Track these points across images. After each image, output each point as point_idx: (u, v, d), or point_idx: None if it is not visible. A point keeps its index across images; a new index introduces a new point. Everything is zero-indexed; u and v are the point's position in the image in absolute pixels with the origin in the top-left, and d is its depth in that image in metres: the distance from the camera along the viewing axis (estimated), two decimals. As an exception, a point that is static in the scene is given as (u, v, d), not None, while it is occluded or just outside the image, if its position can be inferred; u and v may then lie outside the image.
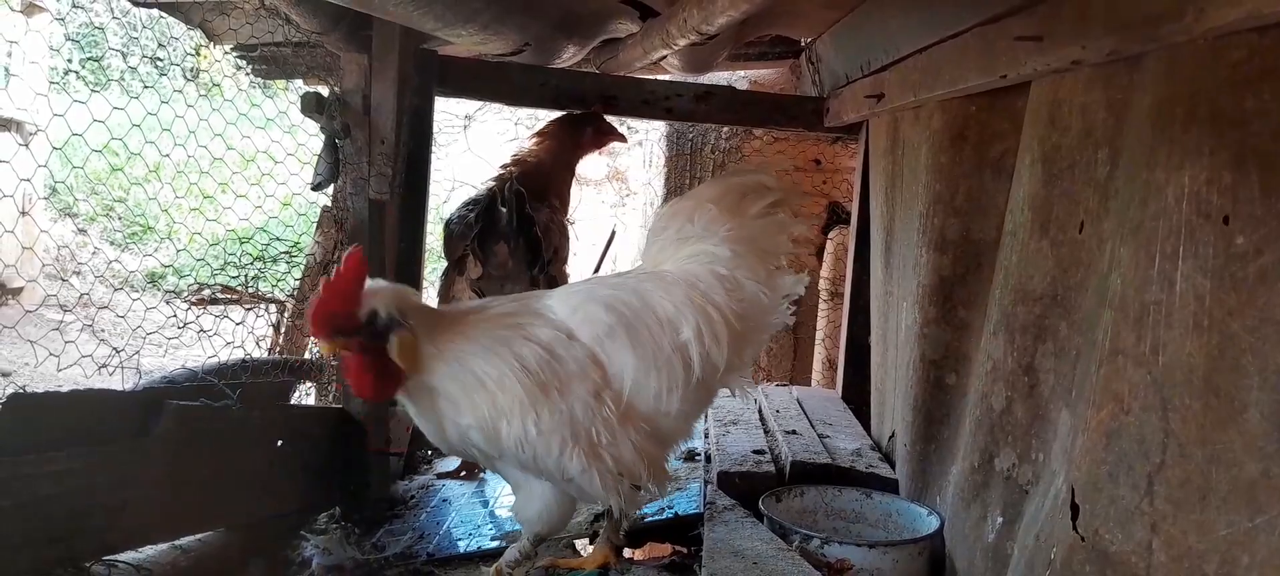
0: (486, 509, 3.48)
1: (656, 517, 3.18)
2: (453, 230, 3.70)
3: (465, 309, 2.61)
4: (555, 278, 3.66)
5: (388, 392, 2.47)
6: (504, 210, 3.53)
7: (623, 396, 2.43)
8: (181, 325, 3.01)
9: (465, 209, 3.71)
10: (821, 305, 5.75)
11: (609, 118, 4.21)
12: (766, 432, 3.78)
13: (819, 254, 5.98)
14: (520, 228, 3.56)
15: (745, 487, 3.12)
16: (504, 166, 3.95)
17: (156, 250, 9.17)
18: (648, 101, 4.43)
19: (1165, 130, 1.87)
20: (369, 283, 2.38)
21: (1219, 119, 1.72)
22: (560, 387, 2.40)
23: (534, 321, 2.48)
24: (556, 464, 2.41)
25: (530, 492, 2.57)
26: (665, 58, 4.35)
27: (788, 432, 3.67)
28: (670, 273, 2.55)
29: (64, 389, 2.33)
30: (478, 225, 3.56)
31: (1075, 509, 1.99)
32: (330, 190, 3.51)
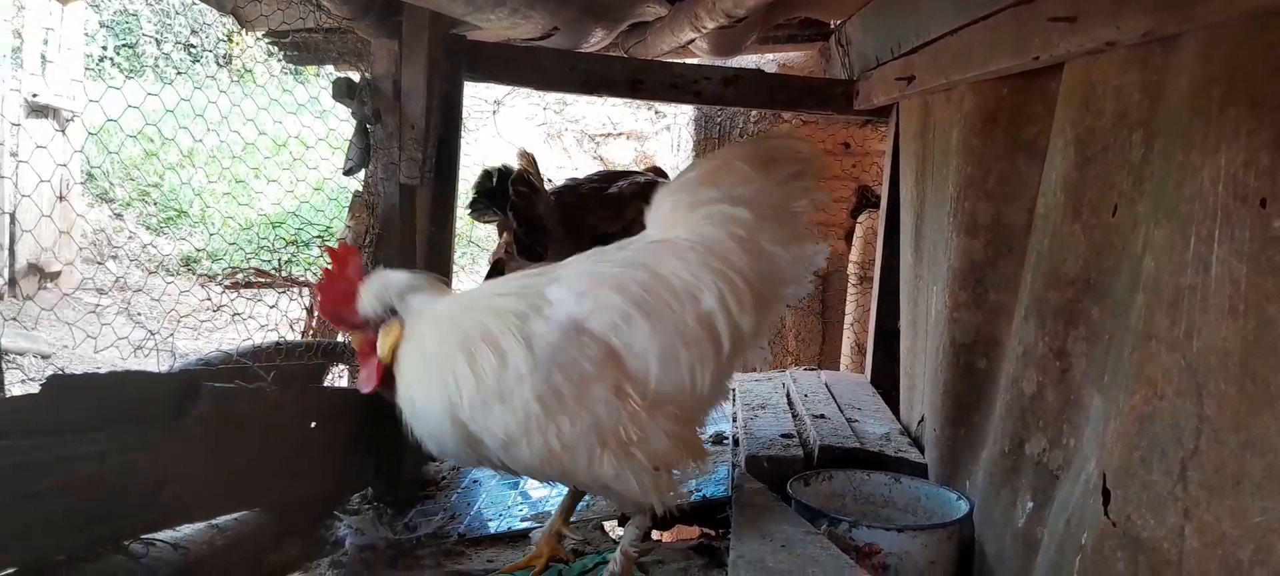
0: (517, 489, 3.51)
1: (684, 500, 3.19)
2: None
3: (467, 298, 2.41)
4: None
5: (375, 384, 2.34)
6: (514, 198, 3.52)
7: (649, 385, 2.18)
8: (216, 308, 3.05)
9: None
10: (850, 289, 5.73)
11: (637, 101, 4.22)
12: (794, 417, 3.78)
13: (848, 238, 5.95)
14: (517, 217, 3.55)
15: (773, 471, 3.12)
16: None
17: (191, 234, 9.27)
18: (675, 85, 4.42)
19: (1201, 112, 1.85)
20: (372, 277, 2.33)
21: (1257, 100, 1.70)
22: (577, 393, 2.16)
23: (534, 317, 2.22)
24: (588, 473, 2.21)
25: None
26: (693, 41, 4.34)
27: (816, 417, 3.66)
28: (682, 238, 2.31)
29: (102, 371, 2.36)
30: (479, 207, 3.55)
31: (1107, 494, 1.98)
32: (361, 175, 3.53)
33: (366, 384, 2.35)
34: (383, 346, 2.29)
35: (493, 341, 2.18)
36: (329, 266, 2.34)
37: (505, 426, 2.17)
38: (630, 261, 2.31)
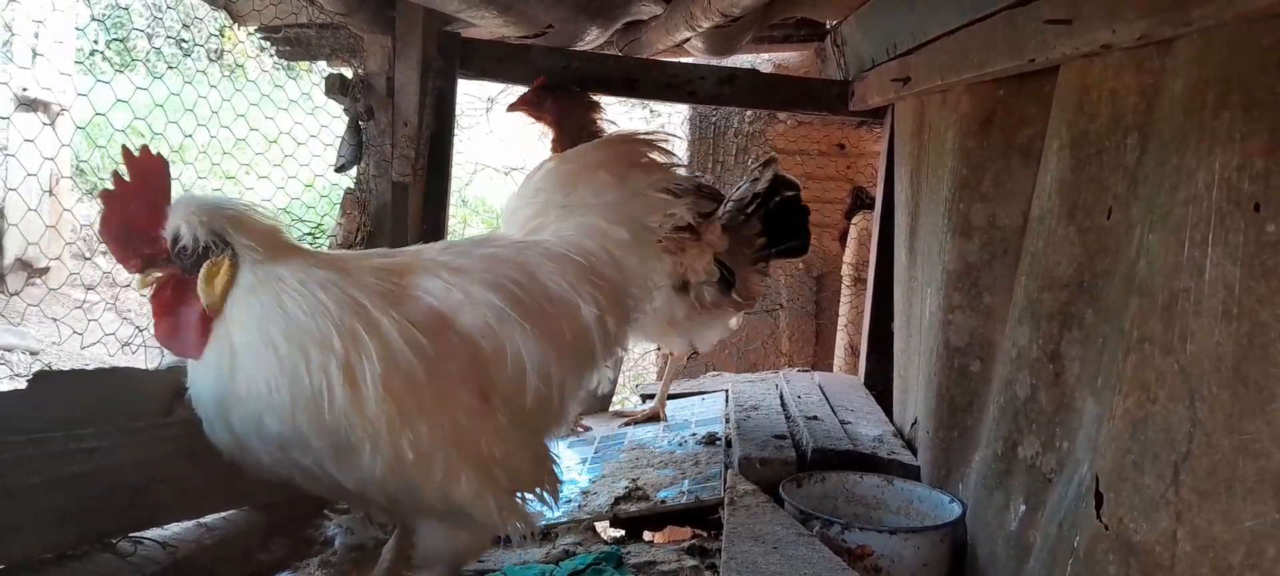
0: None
1: (677, 502, 3.18)
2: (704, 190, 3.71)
3: (333, 256, 2.05)
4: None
5: (187, 342, 1.88)
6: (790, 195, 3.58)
7: (524, 394, 1.97)
8: (206, 305, 3.02)
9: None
10: (845, 290, 5.73)
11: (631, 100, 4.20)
12: (788, 418, 3.77)
13: (842, 239, 5.94)
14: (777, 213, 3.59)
15: (766, 473, 3.11)
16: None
17: (181, 230, 9.23)
18: (670, 84, 4.41)
19: (1196, 115, 1.85)
20: (187, 195, 1.90)
21: (1252, 104, 1.70)
22: (439, 396, 1.87)
23: (393, 304, 1.90)
24: (438, 491, 1.87)
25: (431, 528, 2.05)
26: (689, 40, 4.33)
27: (809, 418, 3.66)
28: (552, 244, 2.16)
29: (89, 367, 2.34)
30: (754, 203, 3.59)
31: (1100, 497, 1.98)
32: (354, 172, 3.52)
33: (186, 346, 1.88)
34: (210, 290, 1.84)
35: (350, 331, 1.83)
36: (123, 174, 1.84)
37: (347, 429, 1.81)
38: (499, 258, 2.07)
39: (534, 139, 4.11)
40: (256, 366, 1.81)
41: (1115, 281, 2.17)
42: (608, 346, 2.19)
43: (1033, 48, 2.49)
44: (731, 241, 3.56)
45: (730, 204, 3.69)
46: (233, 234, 1.85)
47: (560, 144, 3.86)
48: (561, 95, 3.89)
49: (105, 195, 1.85)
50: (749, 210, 3.65)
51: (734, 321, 3.85)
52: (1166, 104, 2.01)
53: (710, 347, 4.02)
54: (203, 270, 1.84)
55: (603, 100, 4.17)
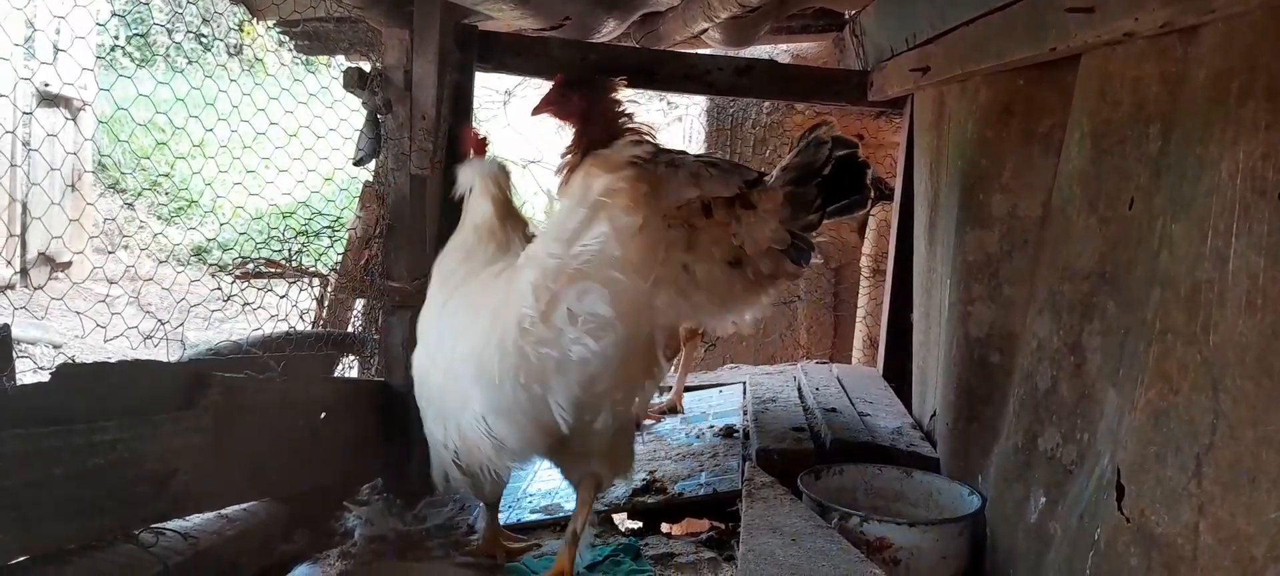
0: (526, 482, 3.50)
1: (695, 493, 3.19)
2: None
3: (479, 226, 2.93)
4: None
5: None
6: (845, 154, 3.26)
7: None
8: (226, 298, 3.04)
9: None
10: (863, 282, 5.70)
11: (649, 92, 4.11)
12: (805, 410, 3.77)
13: (861, 230, 5.92)
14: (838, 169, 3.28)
15: (784, 465, 3.11)
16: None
17: (201, 224, 9.30)
18: (688, 76, 4.40)
19: (1220, 104, 1.83)
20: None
21: (1276, 93, 1.68)
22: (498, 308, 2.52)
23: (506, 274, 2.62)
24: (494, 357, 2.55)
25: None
26: (706, 31, 4.32)
27: (827, 410, 3.65)
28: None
29: (112, 360, 2.36)
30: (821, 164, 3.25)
31: (1121, 489, 1.96)
32: (372, 165, 3.53)
33: None
34: None
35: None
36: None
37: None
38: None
39: (551, 131, 4.10)
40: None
41: (1137, 272, 2.16)
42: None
43: (1054, 36, 2.47)
44: (791, 208, 3.34)
45: (778, 171, 3.43)
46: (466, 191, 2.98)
47: (584, 137, 3.80)
48: (585, 88, 3.82)
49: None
50: (813, 173, 3.34)
51: (769, 299, 3.62)
52: (1190, 93, 1.99)
53: (748, 328, 3.83)
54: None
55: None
